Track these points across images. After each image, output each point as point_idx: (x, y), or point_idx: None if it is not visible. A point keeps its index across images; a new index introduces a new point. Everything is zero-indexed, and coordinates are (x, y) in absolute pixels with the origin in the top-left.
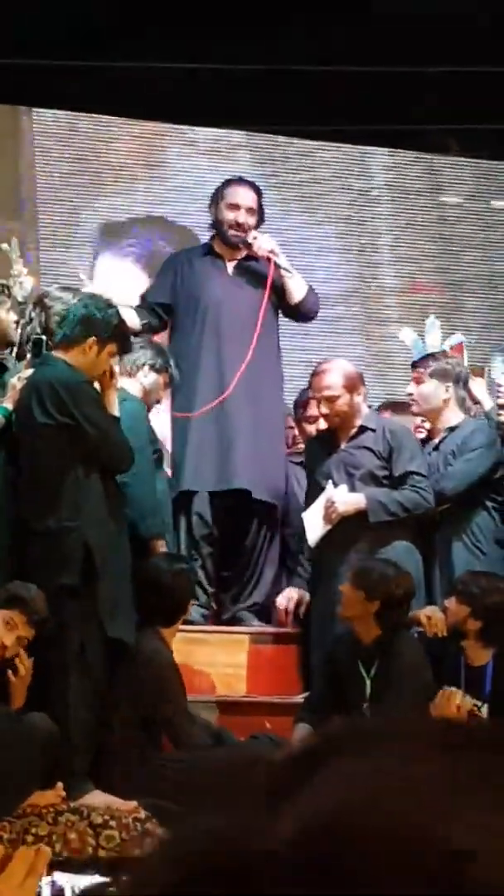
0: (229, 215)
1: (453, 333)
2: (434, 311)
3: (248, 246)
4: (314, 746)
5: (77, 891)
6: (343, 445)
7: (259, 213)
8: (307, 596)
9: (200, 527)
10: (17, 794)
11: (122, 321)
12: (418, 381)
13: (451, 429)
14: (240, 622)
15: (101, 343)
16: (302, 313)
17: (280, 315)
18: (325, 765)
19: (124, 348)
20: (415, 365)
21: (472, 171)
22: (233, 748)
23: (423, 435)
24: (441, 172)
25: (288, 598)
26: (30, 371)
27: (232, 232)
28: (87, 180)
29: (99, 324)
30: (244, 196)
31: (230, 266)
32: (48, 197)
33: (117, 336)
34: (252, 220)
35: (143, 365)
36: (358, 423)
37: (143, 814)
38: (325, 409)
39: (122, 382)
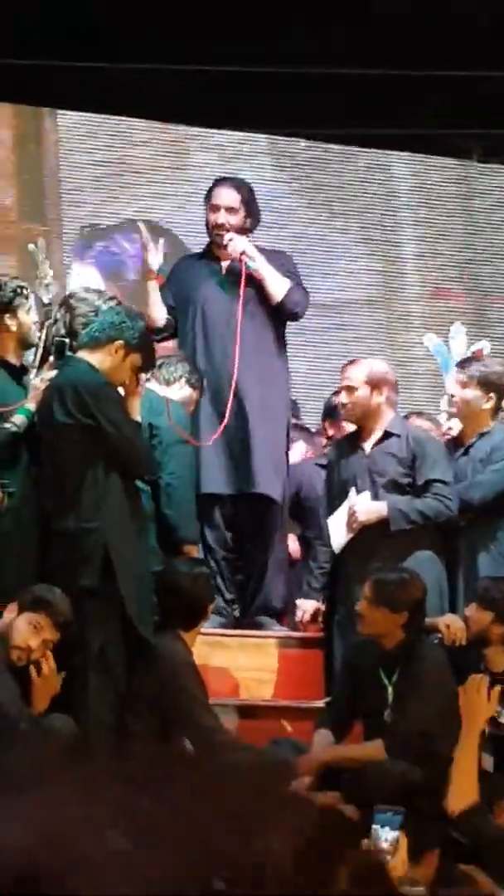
0: (211, 216)
1: (478, 340)
2: (459, 318)
3: (225, 248)
4: None
5: None
6: (368, 451)
7: (248, 211)
8: (321, 605)
9: (213, 532)
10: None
11: (149, 335)
12: (463, 385)
13: (482, 434)
14: (260, 627)
15: (126, 349)
16: (286, 312)
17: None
18: None
19: (149, 363)
20: (460, 366)
21: (500, 177)
22: (254, 752)
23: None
24: (467, 178)
25: (302, 610)
26: (53, 372)
27: (215, 233)
28: (110, 183)
29: (127, 329)
30: (223, 196)
31: (223, 266)
32: (72, 199)
33: (143, 347)
34: (233, 220)
35: (181, 377)
36: (383, 427)
37: None
38: (343, 399)
39: (164, 391)
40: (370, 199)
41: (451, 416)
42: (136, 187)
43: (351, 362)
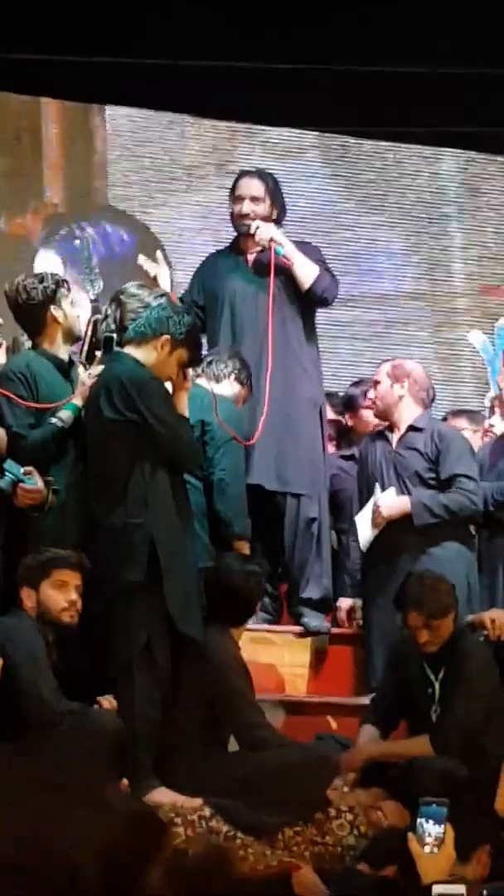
0: (235, 207)
1: None
2: None
3: (252, 236)
4: None
5: None
6: (394, 446)
7: (273, 201)
8: (359, 601)
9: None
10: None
11: (196, 330)
12: None
13: None
14: (300, 617)
15: (173, 344)
16: (316, 299)
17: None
18: None
19: (194, 358)
20: None
21: None
22: (298, 748)
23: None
24: None
25: (340, 607)
26: (100, 368)
27: (240, 223)
28: (158, 179)
29: (174, 324)
30: (247, 186)
31: (249, 260)
32: (120, 194)
33: (190, 342)
34: (259, 209)
35: (230, 374)
36: (408, 422)
37: (207, 811)
38: (371, 393)
39: (213, 386)
40: (418, 195)
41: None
42: (184, 183)
43: (385, 361)
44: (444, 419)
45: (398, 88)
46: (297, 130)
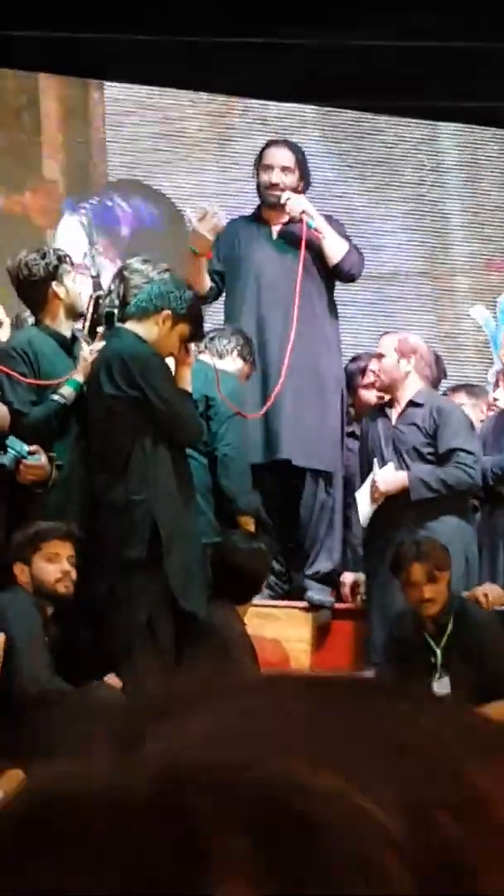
0: (264, 176)
1: None
2: None
3: (283, 207)
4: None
5: None
6: (394, 420)
7: (301, 173)
8: (362, 576)
9: (264, 499)
10: None
11: (197, 304)
12: None
13: None
14: (303, 592)
15: (174, 319)
16: (343, 274)
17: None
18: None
19: (196, 333)
20: None
21: None
22: None
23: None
24: None
25: (344, 582)
26: (102, 344)
27: (268, 193)
28: (157, 155)
29: (175, 300)
30: (278, 156)
31: (274, 231)
32: (119, 172)
33: (191, 317)
34: (288, 180)
35: (233, 350)
36: (408, 397)
37: None
38: (373, 366)
39: (216, 362)
40: (419, 171)
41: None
42: (183, 159)
43: (385, 333)
44: (444, 395)
45: (398, 63)
46: (297, 105)
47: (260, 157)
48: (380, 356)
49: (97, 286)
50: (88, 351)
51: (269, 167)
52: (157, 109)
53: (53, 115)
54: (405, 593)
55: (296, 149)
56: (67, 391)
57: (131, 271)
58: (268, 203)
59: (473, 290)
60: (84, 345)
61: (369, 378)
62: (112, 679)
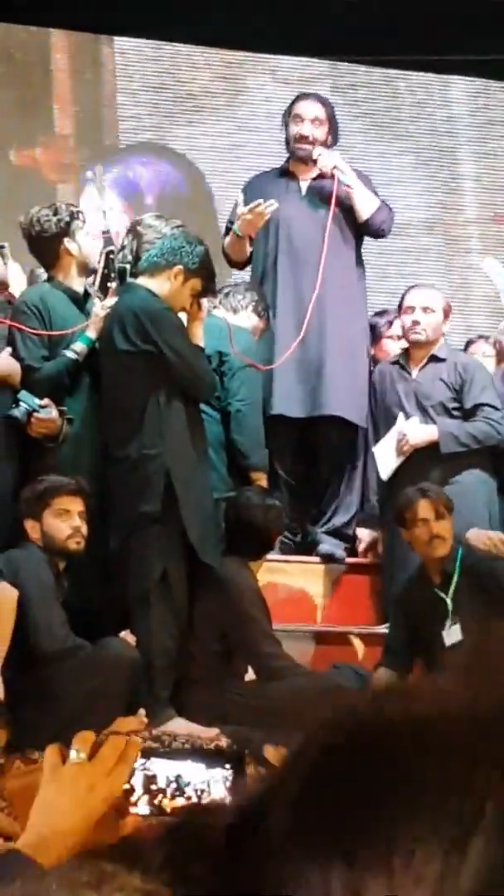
0: (294, 128)
1: None
2: None
3: (314, 161)
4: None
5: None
6: (414, 375)
7: (330, 127)
8: (378, 534)
9: (282, 454)
10: (99, 719)
11: (209, 259)
12: None
13: None
14: (316, 545)
15: (186, 274)
16: (373, 230)
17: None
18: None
19: (208, 288)
20: None
21: None
22: (315, 677)
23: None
24: None
25: (360, 539)
26: (114, 299)
27: (298, 146)
28: (168, 110)
29: (187, 255)
30: (308, 108)
31: (303, 186)
32: (130, 127)
33: (203, 272)
34: (318, 133)
35: (248, 306)
36: (429, 352)
37: (224, 741)
38: (418, 318)
39: (230, 318)
40: (429, 124)
41: None
42: (193, 114)
43: (418, 286)
44: (468, 344)
45: (408, 16)
46: (308, 59)
47: (290, 109)
48: (426, 309)
49: (108, 241)
50: (101, 307)
51: (300, 118)
52: (168, 64)
53: (64, 71)
54: (413, 537)
55: (326, 102)
56: (80, 347)
57: (144, 227)
58: (297, 157)
59: (483, 242)
60: (97, 301)
61: (395, 330)
62: (127, 635)
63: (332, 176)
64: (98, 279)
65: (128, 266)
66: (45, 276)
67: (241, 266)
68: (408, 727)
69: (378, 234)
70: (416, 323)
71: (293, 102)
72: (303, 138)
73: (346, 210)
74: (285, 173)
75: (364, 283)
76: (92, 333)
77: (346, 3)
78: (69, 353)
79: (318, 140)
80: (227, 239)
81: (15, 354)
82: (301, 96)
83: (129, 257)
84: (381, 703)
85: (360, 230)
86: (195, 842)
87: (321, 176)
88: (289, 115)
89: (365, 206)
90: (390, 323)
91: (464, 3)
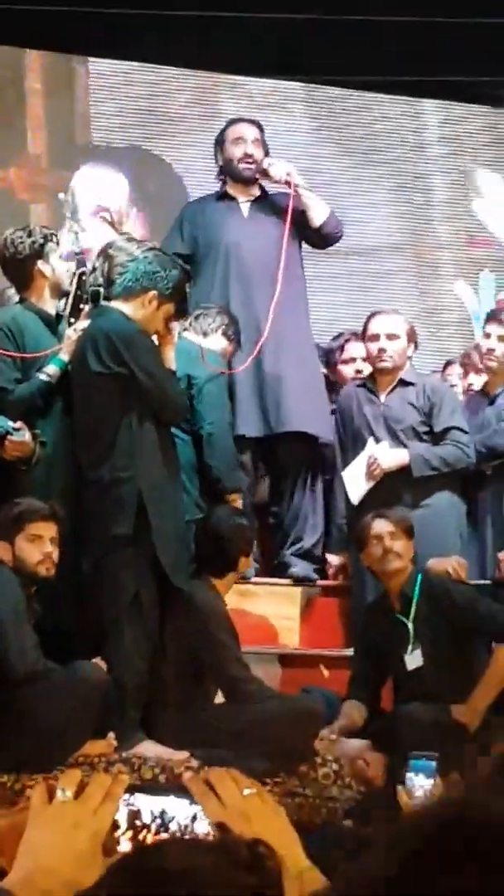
0: (237, 150)
1: None
2: (489, 266)
3: (265, 173)
4: None
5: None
6: (383, 399)
7: (265, 148)
8: (345, 557)
9: (246, 474)
10: (70, 743)
11: (183, 283)
12: (501, 339)
13: None
14: (287, 567)
15: (160, 299)
16: (325, 236)
17: (302, 247)
18: None
19: (181, 311)
20: (491, 318)
21: None
22: (285, 700)
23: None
24: (498, 126)
25: (329, 564)
26: (86, 322)
27: (242, 165)
28: (142, 131)
29: (161, 280)
30: (247, 130)
31: (244, 207)
32: (103, 147)
33: (176, 297)
34: (259, 153)
35: (217, 329)
36: (397, 376)
37: (194, 764)
38: (384, 346)
39: (201, 340)
40: (401, 147)
41: (484, 368)
42: (167, 135)
43: (380, 312)
44: (448, 364)
45: (383, 39)
46: (282, 82)
47: (224, 134)
48: (391, 336)
49: (81, 263)
50: (72, 330)
51: (241, 140)
52: (142, 85)
53: (38, 91)
54: (368, 555)
55: (259, 126)
56: (52, 370)
57: (116, 249)
58: (241, 177)
59: (455, 265)
60: (69, 323)
61: (350, 353)
62: (99, 661)
63: (287, 183)
64: (70, 301)
65: (100, 289)
66: (16, 297)
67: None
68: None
69: (333, 239)
70: (382, 350)
71: (228, 126)
72: (248, 157)
73: (295, 223)
74: (223, 197)
75: (307, 298)
76: (65, 356)
77: (319, 25)
78: (42, 376)
79: (259, 159)
80: None
81: None
82: (234, 120)
83: (101, 279)
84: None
85: (311, 238)
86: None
87: (264, 194)
88: (224, 140)
89: (318, 213)
90: (342, 348)
91: (437, 27)
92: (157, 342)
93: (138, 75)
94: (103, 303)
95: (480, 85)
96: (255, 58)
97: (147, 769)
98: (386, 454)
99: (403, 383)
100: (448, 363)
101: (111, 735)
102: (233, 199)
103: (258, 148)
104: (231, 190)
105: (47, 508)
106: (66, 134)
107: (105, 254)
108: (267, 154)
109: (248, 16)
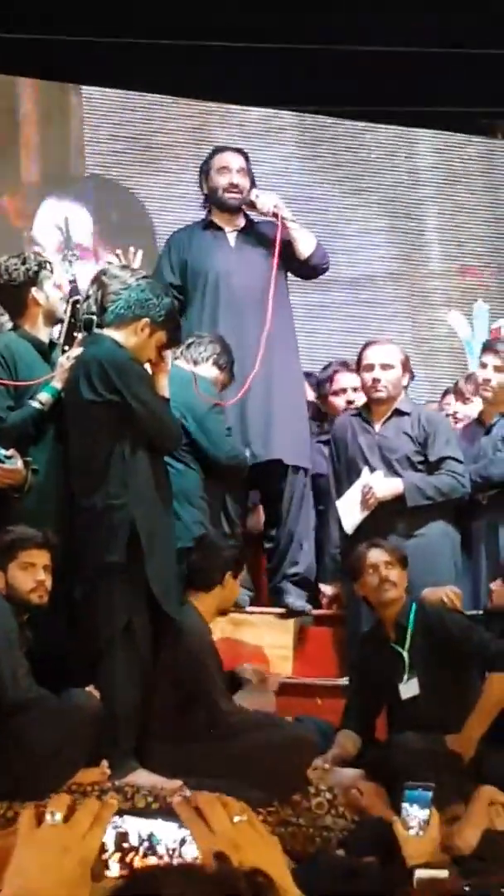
0: (222, 179)
1: (502, 317)
2: (482, 295)
3: (252, 205)
4: None
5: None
6: (378, 428)
7: (251, 177)
8: (338, 588)
9: (234, 503)
10: (62, 771)
11: (175, 311)
12: (497, 369)
13: None
14: (281, 593)
15: (152, 327)
16: (311, 267)
17: (289, 277)
18: None
19: (174, 340)
20: (491, 349)
21: None
22: (278, 729)
23: (471, 415)
24: (490, 155)
25: (323, 594)
26: (79, 350)
27: (228, 195)
28: (135, 159)
29: (154, 307)
30: (233, 159)
31: (231, 237)
32: (96, 175)
33: (169, 325)
34: (245, 182)
35: (209, 358)
36: (392, 406)
37: (187, 793)
38: (378, 376)
39: (194, 369)
40: (394, 176)
41: (481, 397)
42: (160, 163)
43: (375, 342)
44: (446, 393)
45: (374, 68)
46: (274, 111)
47: (209, 164)
48: (387, 366)
49: (74, 291)
50: (65, 358)
51: (227, 169)
52: (135, 113)
53: (31, 119)
54: (363, 585)
55: (245, 155)
56: (45, 397)
57: (109, 277)
58: (226, 206)
59: (448, 295)
60: (61, 351)
61: (340, 384)
62: (92, 691)
63: (275, 215)
64: (65, 329)
65: (93, 317)
66: (9, 324)
67: None
68: None
69: (318, 272)
70: (376, 381)
71: (213, 155)
72: (233, 187)
73: (281, 253)
74: (209, 226)
75: (294, 328)
76: (57, 384)
77: (313, 56)
78: (34, 404)
79: (245, 189)
80: None
81: None
82: (219, 149)
83: (94, 307)
84: None
85: (297, 269)
86: None
87: (250, 224)
88: (209, 169)
89: (305, 245)
90: (331, 379)
91: (429, 57)
92: (150, 370)
93: (130, 103)
94: (96, 330)
95: (473, 115)
96: (247, 87)
97: (140, 798)
98: (380, 483)
99: (399, 413)
100: (446, 392)
101: (104, 763)
102: (219, 228)
103: (244, 177)
104: (217, 219)
105: (40, 536)
106: (60, 162)
107: (99, 281)
108: (253, 183)
109: (242, 45)
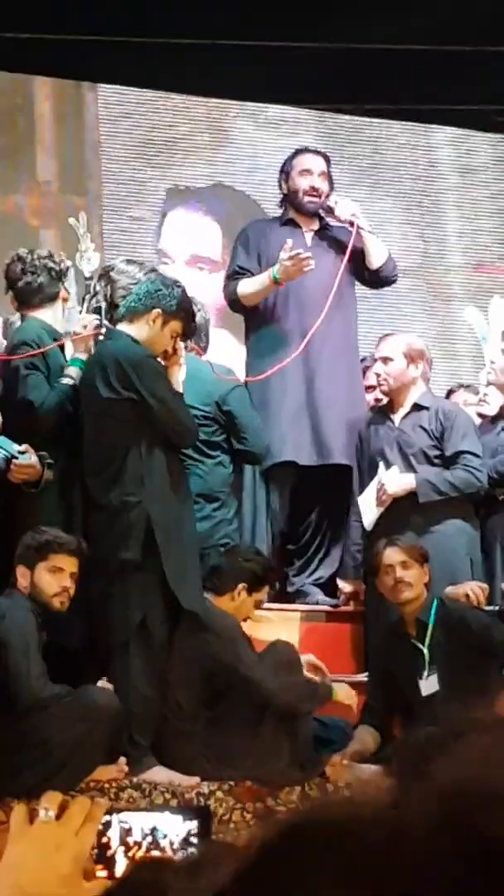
0: (303, 182)
1: None
2: (499, 292)
3: (330, 211)
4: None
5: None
6: (397, 423)
7: (330, 180)
8: (361, 585)
9: (280, 501)
10: (80, 768)
11: (187, 301)
12: None
13: None
14: (304, 596)
15: (164, 317)
16: (381, 278)
17: (356, 285)
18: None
19: (189, 330)
20: None
21: None
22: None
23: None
24: None
25: (342, 590)
26: (91, 317)
27: (308, 199)
28: (151, 156)
29: (164, 297)
30: (315, 162)
31: (308, 236)
32: (113, 173)
33: (182, 314)
34: (326, 186)
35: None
36: (412, 400)
37: (206, 789)
38: (377, 370)
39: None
40: (412, 173)
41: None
42: (176, 161)
43: (384, 336)
44: (450, 393)
45: (392, 66)
46: (292, 108)
47: (292, 164)
48: (386, 360)
49: (87, 288)
50: (81, 326)
51: (309, 172)
52: (151, 110)
53: (47, 117)
54: (380, 584)
55: (326, 157)
56: (73, 371)
57: (118, 272)
58: (305, 210)
59: (465, 290)
60: (76, 315)
61: (370, 380)
62: (104, 684)
63: (352, 224)
64: (86, 305)
65: (103, 305)
66: (17, 324)
67: (250, 312)
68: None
69: (386, 282)
70: (378, 375)
71: (295, 156)
72: (314, 190)
73: (356, 259)
74: (288, 223)
75: (357, 333)
76: (81, 355)
77: (330, 53)
78: (65, 381)
79: (325, 193)
80: (248, 283)
81: (23, 396)
82: (303, 150)
83: (103, 304)
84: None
85: (366, 278)
86: None
87: (324, 227)
88: (291, 169)
89: (377, 256)
90: (363, 373)
91: (444, 54)
92: (164, 363)
93: (147, 101)
94: (109, 326)
95: (492, 112)
96: (264, 84)
97: (158, 794)
98: (393, 480)
99: (418, 407)
100: (451, 391)
101: (122, 760)
102: (297, 226)
103: (325, 181)
104: (295, 217)
105: (73, 542)
106: (76, 160)
107: (107, 277)
108: (332, 187)
109: (259, 43)
